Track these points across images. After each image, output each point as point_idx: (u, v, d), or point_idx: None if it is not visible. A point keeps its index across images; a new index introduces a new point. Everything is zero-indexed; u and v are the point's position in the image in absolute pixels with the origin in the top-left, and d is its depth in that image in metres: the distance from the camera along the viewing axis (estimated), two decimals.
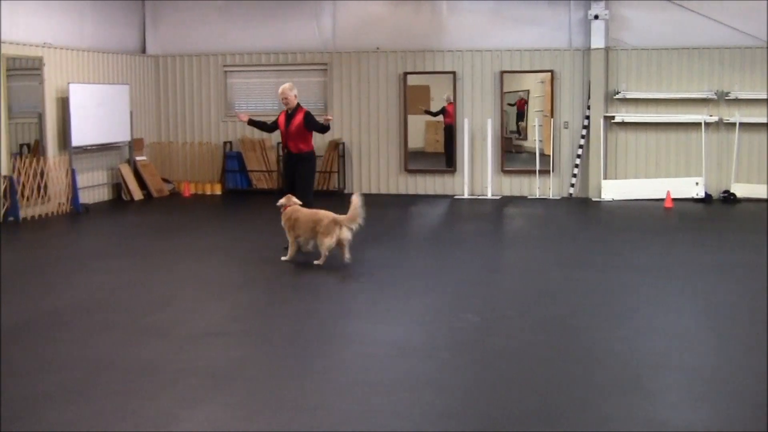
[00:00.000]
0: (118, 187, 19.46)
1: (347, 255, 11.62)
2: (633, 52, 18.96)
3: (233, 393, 6.74)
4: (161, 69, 21.09)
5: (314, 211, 11.95)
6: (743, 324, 8.81)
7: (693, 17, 18.49)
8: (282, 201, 12.37)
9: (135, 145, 19.78)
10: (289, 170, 13.13)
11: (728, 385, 6.87)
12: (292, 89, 13.01)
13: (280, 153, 20.08)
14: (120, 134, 19.11)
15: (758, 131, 18.57)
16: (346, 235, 11.50)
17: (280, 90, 13.13)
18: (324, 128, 12.91)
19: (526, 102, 21.21)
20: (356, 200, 11.46)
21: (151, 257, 12.80)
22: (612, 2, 18.86)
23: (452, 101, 19.99)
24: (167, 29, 21.06)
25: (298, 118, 12.80)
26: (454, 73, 19.63)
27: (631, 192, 18.82)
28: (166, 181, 20.59)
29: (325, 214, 11.66)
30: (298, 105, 12.99)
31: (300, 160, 12.94)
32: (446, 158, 20.32)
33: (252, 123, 13.62)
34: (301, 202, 12.26)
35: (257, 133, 20.45)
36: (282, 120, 13.08)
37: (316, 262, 11.70)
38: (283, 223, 12.15)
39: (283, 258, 12.12)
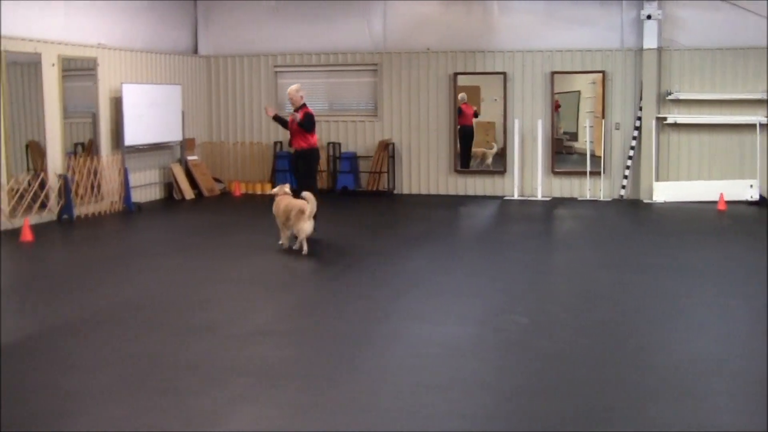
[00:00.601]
0: (169, 187, 19.65)
1: (305, 248, 12.49)
2: (686, 52, 18.75)
3: (281, 392, 6.78)
4: (213, 69, 21.27)
5: (295, 200, 12.80)
6: None
7: (747, 16, 18.22)
8: (275, 190, 13.37)
9: (186, 144, 19.96)
10: (292, 165, 14.20)
11: None
12: (298, 91, 14.02)
13: (330, 153, 20.23)
14: (172, 134, 19.30)
15: None
16: (308, 227, 12.46)
17: (288, 90, 14.26)
18: (305, 125, 13.76)
19: (560, 105, 20.98)
20: (308, 195, 12.60)
21: (202, 256, 12.91)
22: (665, 2, 18.67)
23: (466, 101, 19.98)
24: (219, 30, 21.23)
25: (299, 117, 13.77)
26: (504, 73, 19.56)
27: (683, 194, 18.61)
28: (217, 180, 20.75)
29: (298, 203, 12.53)
30: (303, 105, 13.90)
31: (299, 157, 14.10)
32: (461, 161, 20.16)
33: (276, 119, 14.57)
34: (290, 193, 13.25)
35: None
36: (291, 119, 14.04)
37: (294, 246, 12.67)
38: (273, 210, 13.04)
39: (280, 242, 13.05)
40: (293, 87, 14.15)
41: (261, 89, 21.00)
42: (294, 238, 12.77)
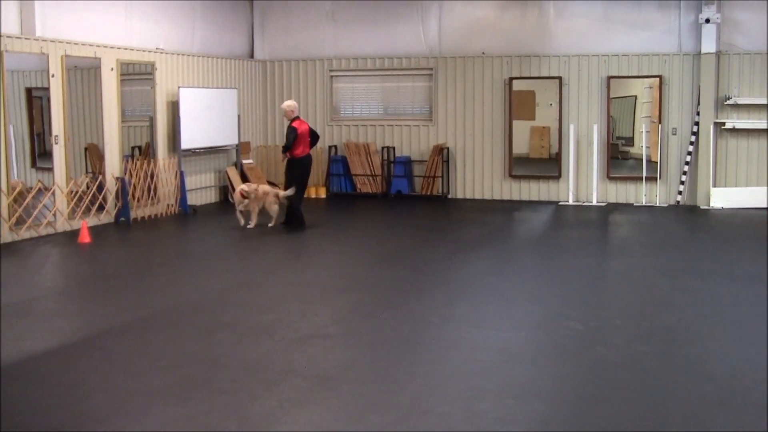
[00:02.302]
0: (224, 190, 19.82)
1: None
2: (745, 56, 18.49)
3: (337, 395, 6.80)
4: (268, 73, 21.43)
5: (264, 187, 15.77)
6: None
7: None
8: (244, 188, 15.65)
9: (242, 148, 20.11)
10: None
11: None
12: (290, 106, 15.45)
13: (384, 157, 20.29)
14: (227, 137, 19.45)
15: None
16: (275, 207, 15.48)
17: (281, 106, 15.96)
18: (286, 141, 15.25)
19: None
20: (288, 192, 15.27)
21: (258, 259, 13.00)
22: (724, 5, 18.43)
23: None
24: (275, 34, 21.39)
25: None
26: (560, 78, 19.46)
27: (741, 200, 18.36)
28: (271, 184, 20.84)
29: (270, 189, 15.69)
30: (295, 118, 15.32)
31: (288, 165, 15.51)
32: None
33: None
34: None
35: (362, 138, 20.65)
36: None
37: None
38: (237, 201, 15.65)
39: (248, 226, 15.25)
40: (285, 103, 15.63)
41: (316, 93, 21.10)
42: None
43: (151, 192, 16.95)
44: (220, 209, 18.66)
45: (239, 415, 6.36)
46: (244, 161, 20.16)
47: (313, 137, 15.53)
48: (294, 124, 15.08)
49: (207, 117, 18.43)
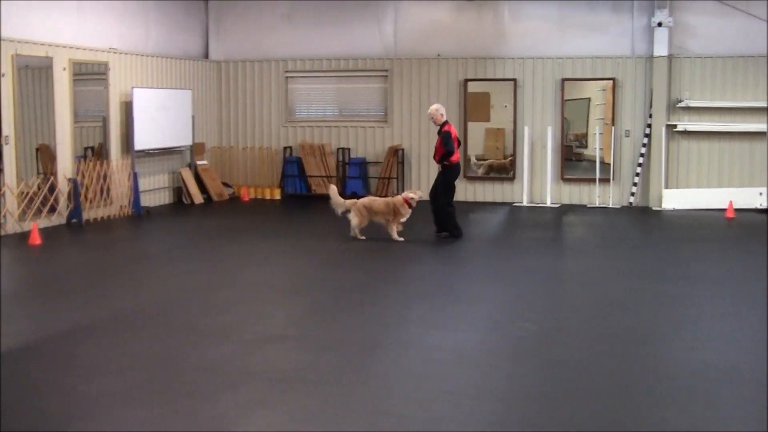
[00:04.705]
0: (178, 191, 19.68)
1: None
2: (697, 60, 18.72)
3: (295, 397, 6.78)
4: (223, 74, 21.31)
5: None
6: None
7: (759, 24, 18.16)
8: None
9: (196, 149, 19.99)
10: None
11: None
12: (438, 110, 14.51)
13: (340, 159, 20.27)
14: (182, 138, 19.33)
15: None
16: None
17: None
18: (448, 147, 14.32)
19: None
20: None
21: (213, 261, 12.92)
22: (676, 9, 18.65)
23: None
24: (230, 35, 21.27)
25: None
26: (515, 80, 19.56)
27: (692, 201, 18.58)
28: (226, 185, 20.77)
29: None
30: (445, 123, 14.49)
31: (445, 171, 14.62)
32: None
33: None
34: None
35: (317, 139, 20.61)
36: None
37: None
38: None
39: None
40: (433, 107, 14.71)
41: (271, 94, 21.03)
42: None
43: (104, 193, 16.77)
44: (174, 211, 18.53)
45: (197, 417, 6.31)
46: (199, 162, 20.04)
47: (458, 142, 14.95)
48: (448, 129, 14.39)
49: (161, 118, 18.28)
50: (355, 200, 14.45)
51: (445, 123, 14.47)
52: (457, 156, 14.51)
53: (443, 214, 14.52)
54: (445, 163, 14.39)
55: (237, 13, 21.13)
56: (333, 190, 14.99)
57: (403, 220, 14.25)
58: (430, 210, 14.61)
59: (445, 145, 14.18)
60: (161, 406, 6.52)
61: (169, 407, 6.50)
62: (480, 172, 19.88)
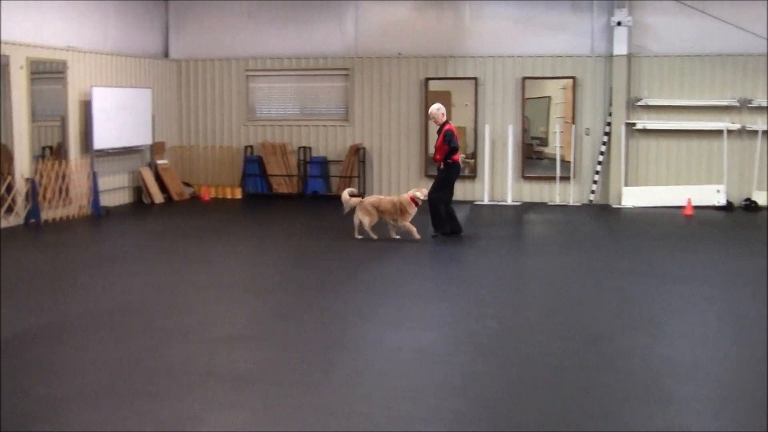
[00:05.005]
0: (138, 191, 19.53)
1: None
2: (655, 59, 18.90)
3: (257, 397, 6.75)
4: (183, 73, 21.17)
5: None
6: (765, 332, 8.77)
7: (717, 24, 18.36)
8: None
9: (156, 148, 19.85)
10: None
11: (750, 394, 6.83)
12: (440, 110, 14.57)
13: (301, 158, 20.22)
14: (141, 138, 19.18)
15: None
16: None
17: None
18: (452, 144, 14.41)
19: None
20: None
21: (173, 261, 12.84)
22: (635, 9, 18.80)
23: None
24: (190, 33, 21.14)
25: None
26: (475, 79, 19.62)
27: (651, 199, 18.74)
28: (186, 184, 20.64)
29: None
30: (446, 122, 14.52)
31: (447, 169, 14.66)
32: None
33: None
34: None
35: (278, 138, 20.55)
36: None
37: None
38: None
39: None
40: (435, 107, 14.71)
41: (232, 93, 20.92)
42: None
43: (63, 193, 16.60)
44: (134, 210, 18.39)
45: (156, 418, 6.26)
46: (159, 162, 19.90)
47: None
48: (449, 128, 14.42)
49: (120, 117, 18.13)
50: (360, 199, 14.35)
51: (446, 122, 14.51)
52: (457, 155, 14.58)
53: (431, 209, 14.47)
54: (447, 161, 14.41)
55: (197, 12, 21.00)
56: (346, 191, 14.61)
57: (409, 218, 14.16)
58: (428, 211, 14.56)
59: (449, 143, 14.22)
60: (121, 408, 6.45)
61: (127, 409, 6.43)
62: (467, 171, 19.78)
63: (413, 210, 14.12)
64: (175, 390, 6.85)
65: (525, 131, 19.90)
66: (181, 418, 6.29)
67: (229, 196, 20.53)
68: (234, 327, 8.90)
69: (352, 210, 14.22)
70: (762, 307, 9.76)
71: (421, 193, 14.24)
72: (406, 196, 14.15)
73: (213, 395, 6.73)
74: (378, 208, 14.07)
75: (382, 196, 14.59)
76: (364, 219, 14.04)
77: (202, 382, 7.03)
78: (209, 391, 6.82)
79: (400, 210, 14.03)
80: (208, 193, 20.38)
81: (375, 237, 14.03)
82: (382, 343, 8.30)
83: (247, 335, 8.62)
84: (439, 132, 14.53)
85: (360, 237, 14.09)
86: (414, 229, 14.05)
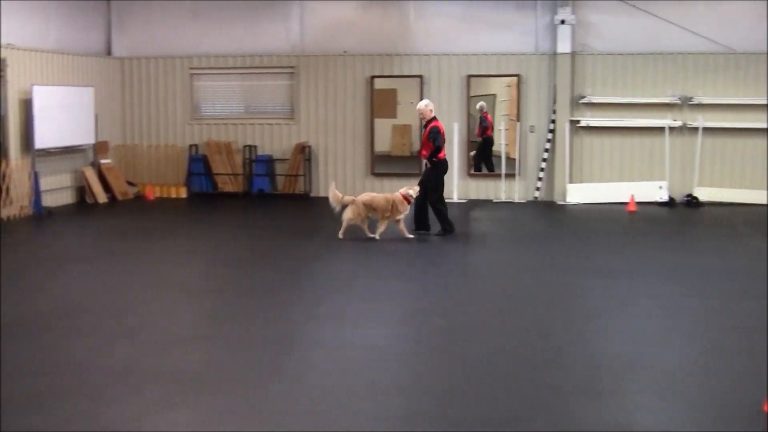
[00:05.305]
0: (81, 191, 19.27)
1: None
2: (599, 56, 19.09)
3: (206, 397, 6.69)
4: (126, 71, 20.93)
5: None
6: (708, 325, 8.91)
7: (659, 23, 18.65)
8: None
9: (99, 147, 19.61)
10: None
11: (692, 386, 6.95)
12: (428, 106, 14.71)
13: (246, 156, 20.12)
14: (84, 137, 18.93)
15: (721, 136, 18.76)
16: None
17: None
18: (436, 142, 14.46)
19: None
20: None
21: (118, 261, 12.69)
22: (578, 8, 18.98)
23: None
24: (133, 31, 20.91)
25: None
26: (421, 77, 19.66)
27: (595, 195, 18.93)
28: (130, 184, 20.43)
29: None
30: (432, 119, 14.60)
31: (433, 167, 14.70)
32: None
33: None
34: None
35: (223, 137, 20.42)
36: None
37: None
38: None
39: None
40: (423, 103, 14.84)
41: (176, 91, 20.74)
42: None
43: (3, 193, 16.32)
44: (77, 211, 18.15)
45: (102, 420, 6.19)
46: (102, 161, 19.67)
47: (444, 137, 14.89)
48: (436, 125, 14.44)
49: (62, 115, 17.87)
50: (353, 197, 14.27)
51: (433, 119, 14.51)
52: (444, 151, 14.54)
53: (434, 212, 14.55)
54: (434, 159, 14.40)
55: (140, 9, 20.78)
56: (332, 185, 14.64)
57: (401, 216, 14.14)
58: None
59: (434, 141, 14.21)
60: (64, 411, 6.37)
61: (72, 411, 6.35)
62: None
63: (405, 208, 14.11)
64: (120, 392, 6.77)
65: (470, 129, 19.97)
66: (127, 419, 6.22)
67: (174, 196, 20.36)
68: (181, 327, 8.83)
69: (344, 207, 14.17)
70: (702, 300, 9.93)
71: (414, 191, 14.21)
72: (398, 194, 14.11)
73: (159, 396, 6.67)
74: (370, 206, 14.04)
75: (374, 194, 14.52)
76: (346, 213, 13.99)
77: (148, 384, 6.96)
78: (155, 393, 6.75)
79: (392, 208, 13.99)
80: (152, 193, 20.18)
81: (371, 235, 14.04)
82: (330, 342, 8.29)
83: (194, 335, 8.56)
84: (425, 127, 14.56)
85: (341, 237, 14.02)
86: (405, 229, 14.12)
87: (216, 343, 8.34)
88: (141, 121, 20.94)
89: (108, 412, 6.33)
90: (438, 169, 14.50)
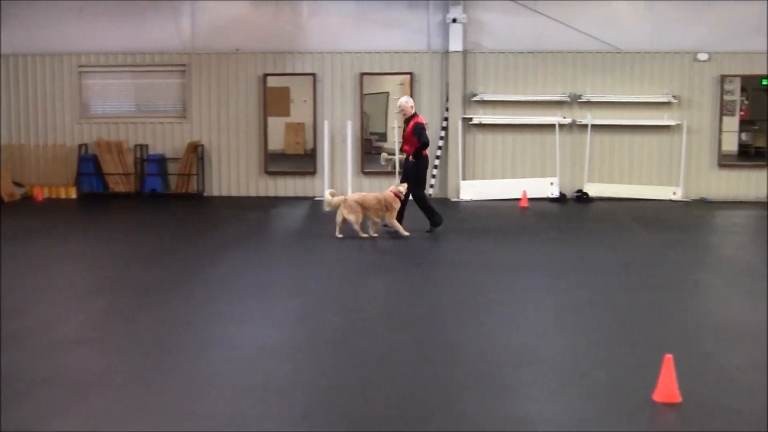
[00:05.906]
0: None
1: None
2: (490, 55, 19.36)
3: (95, 402, 6.57)
4: (12, 68, 20.39)
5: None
6: (600, 318, 9.10)
7: (548, 22, 19.02)
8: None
9: None
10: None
11: (585, 379, 7.08)
12: (409, 102, 14.79)
13: (137, 155, 19.81)
14: None
15: (608, 133, 19.23)
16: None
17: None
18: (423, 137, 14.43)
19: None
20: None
21: (5, 264, 12.36)
22: (470, 7, 19.20)
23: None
24: (19, 28, 20.36)
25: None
26: (314, 75, 19.64)
27: (488, 192, 19.19)
28: (17, 184, 19.93)
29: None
30: (414, 115, 14.64)
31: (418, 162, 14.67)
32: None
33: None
34: None
35: (113, 136, 20.08)
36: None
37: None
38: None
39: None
40: (403, 99, 14.82)
41: (64, 90, 20.30)
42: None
43: None
44: None
45: None
46: None
47: None
48: (419, 121, 14.41)
49: None
50: (344, 198, 14.13)
51: (414, 115, 14.56)
52: (426, 149, 14.57)
53: (421, 206, 14.67)
54: (420, 154, 14.43)
55: (26, 6, 20.25)
56: (327, 192, 14.65)
57: (395, 214, 14.10)
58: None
59: (420, 137, 14.21)
60: None
61: None
62: (389, 167, 19.63)
63: (398, 205, 14.11)
64: (6, 399, 6.58)
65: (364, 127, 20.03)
66: (12, 427, 6.06)
67: (63, 196, 19.93)
68: (71, 330, 8.64)
69: (336, 208, 14.07)
70: (592, 294, 10.15)
71: (403, 187, 14.25)
72: (389, 193, 14.09)
73: (46, 402, 6.52)
74: (363, 206, 13.92)
75: (366, 194, 14.35)
76: (350, 217, 13.85)
77: (35, 389, 6.79)
78: (42, 398, 6.59)
79: (386, 206, 13.95)
80: (41, 193, 19.72)
81: (364, 235, 14.00)
82: (224, 342, 8.21)
83: (84, 338, 8.38)
84: (406, 123, 14.60)
85: (341, 236, 13.95)
86: (400, 227, 14.12)
87: (107, 345, 8.18)
88: (28, 119, 20.43)
89: None
90: (421, 163, 14.58)
